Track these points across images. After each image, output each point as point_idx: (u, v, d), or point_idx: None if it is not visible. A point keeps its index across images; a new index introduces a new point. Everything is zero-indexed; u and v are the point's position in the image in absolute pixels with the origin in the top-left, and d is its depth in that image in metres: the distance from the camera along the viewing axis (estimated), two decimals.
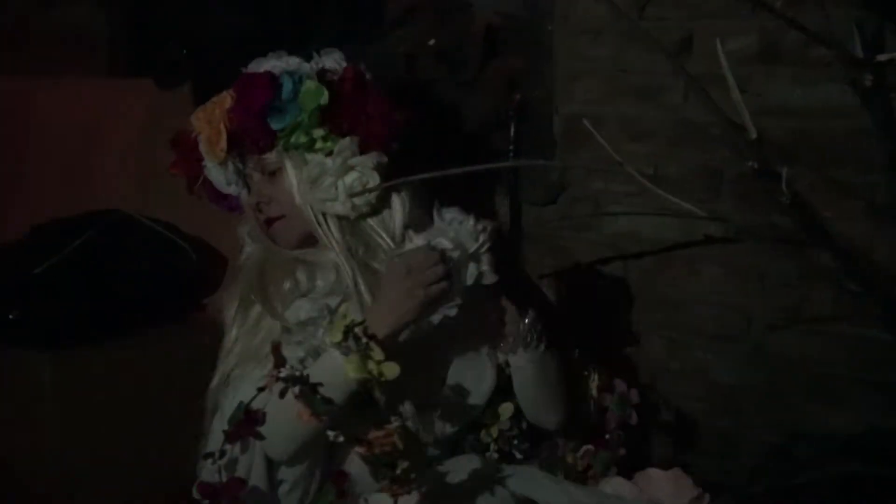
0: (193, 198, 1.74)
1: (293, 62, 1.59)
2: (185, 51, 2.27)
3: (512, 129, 2.02)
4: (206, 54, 2.23)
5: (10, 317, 1.88)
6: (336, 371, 1.41)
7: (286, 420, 1.41)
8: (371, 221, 1.60)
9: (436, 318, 1.50)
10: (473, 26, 2.03)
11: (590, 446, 1.67)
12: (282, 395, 1.37)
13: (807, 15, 1.55)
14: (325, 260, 1.61)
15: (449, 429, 1.62)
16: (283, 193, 1.59)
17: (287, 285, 1.60)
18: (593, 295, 2.00)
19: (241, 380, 1.54)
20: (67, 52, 2.48)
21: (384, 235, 1.60)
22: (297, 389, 1.35)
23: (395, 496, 1.36)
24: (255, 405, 1.44)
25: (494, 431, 1.65)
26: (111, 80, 2.44)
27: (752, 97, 1.67)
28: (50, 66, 2.43)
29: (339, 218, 1.58)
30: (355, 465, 1.52)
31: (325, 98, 1.54)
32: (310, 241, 1.62)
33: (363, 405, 1.47)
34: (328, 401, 1.37)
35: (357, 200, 1.56)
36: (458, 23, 2.04)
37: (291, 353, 1.47)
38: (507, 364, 1.63)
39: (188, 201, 1.77)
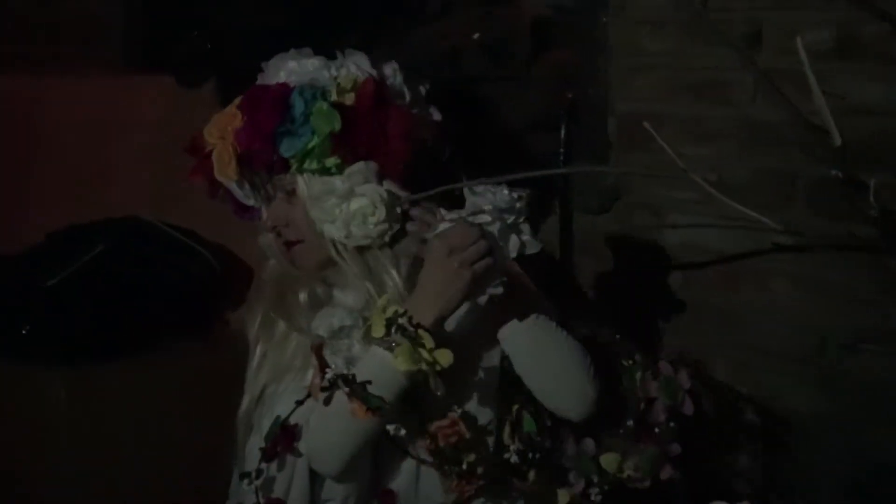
0: (215, 202, 1.76)
1: (311, 68, 1.59)
2: (208, 44, 2.29)
3: (563, 130, 2.03)
4: (232, 48, 2.25)
5: (23, 331, 1.91)
6: (383, 368, 1.41)
7: (337, 428, 1.43)
8: (381, 255, 1.60)
9: (482, 299, 1.49)
10: (521, 18, 2.04)
11: (639, 445, 1.65)
12: (327, 401, 1.38)
13: (892, 4, 1.55)
14: (350, 281, 1.62)
15: (490, 414, 1.60)
16: (301, 216, 1.61)
17: (303, 297, 1.62)
18: (650, 311, 2.00)
19: (276, 396, 1.56)
20: (79, 46, 2.51)
21: (393, 273, 1.60)
22: (346, 389, 1.36)
23: (464, 495, 1.36)
24: (294, 419, 1.45)
25: (508, 430, 1.62)
26: (126, 76, 2.46)
27: (830, 98, 1.66)
28: (60, 62, 2.46)
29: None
30: (400, 482, 1.54)
31: (337, 124, 1.54)
32: (332, 263, 1.63)
33: (408, 408, 1.47)
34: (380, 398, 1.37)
35: (355, 230, 1.56)
36: (505, 14, 2.05)
37: (329, 361, 1.48)
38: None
39: (209, 206, 1.79)
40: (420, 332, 1.40)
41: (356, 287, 1.61)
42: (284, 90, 1.57)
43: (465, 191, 1.53)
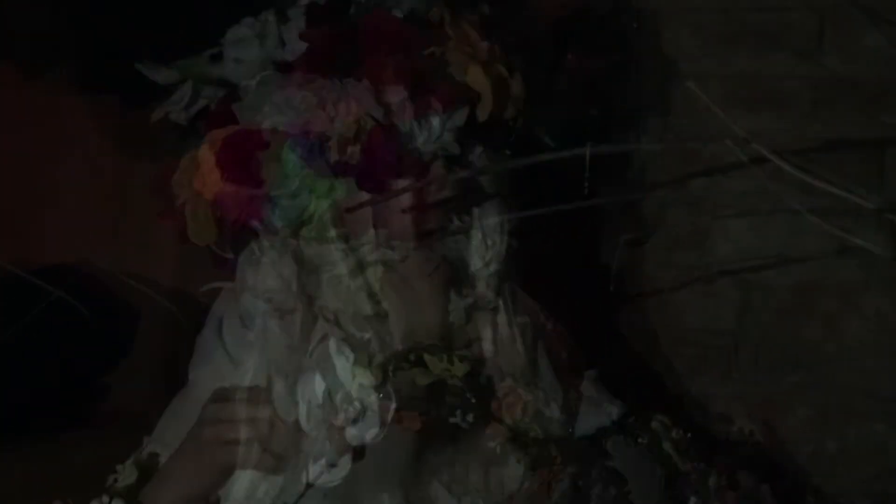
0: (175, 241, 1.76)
1: (303, 106, 1.57)
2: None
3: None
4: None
5: None
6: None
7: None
8: None
9: None
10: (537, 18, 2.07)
11: None
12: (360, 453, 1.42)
13: None
14: None
15: None
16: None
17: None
18: (698, 345, 2.01)
19: None
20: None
21: None
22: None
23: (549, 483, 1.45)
24: None
25: None
26: (59, 98, 2.46)
27: None
28: None
29: None
30: None
31: (341, 190, 1.57)
32: None
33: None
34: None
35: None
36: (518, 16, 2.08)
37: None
38: None
39: (173, 249, 1.79)
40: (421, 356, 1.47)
41: None
42: (273, 140, 1.57)
43: None
